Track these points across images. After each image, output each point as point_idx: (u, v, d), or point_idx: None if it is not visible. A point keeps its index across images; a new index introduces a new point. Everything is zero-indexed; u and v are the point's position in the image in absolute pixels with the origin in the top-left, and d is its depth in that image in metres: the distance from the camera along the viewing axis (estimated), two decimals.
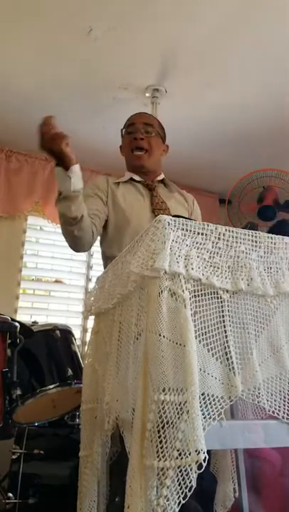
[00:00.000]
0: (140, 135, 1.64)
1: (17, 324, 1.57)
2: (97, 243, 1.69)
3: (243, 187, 2.55)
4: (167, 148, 1.80)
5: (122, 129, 1.73)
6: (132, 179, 1.69)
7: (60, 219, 1.47)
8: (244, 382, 0.76)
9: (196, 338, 0.74)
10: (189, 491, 0.64)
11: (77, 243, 1.55)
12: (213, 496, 1.20)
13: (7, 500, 1.57)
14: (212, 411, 0.72)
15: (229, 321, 0.79)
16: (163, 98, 2.36)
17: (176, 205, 1.68)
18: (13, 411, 1.60)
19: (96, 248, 1.73)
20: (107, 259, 1.62)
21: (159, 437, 0.67)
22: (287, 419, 0.79)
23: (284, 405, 0.80)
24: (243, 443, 0.82)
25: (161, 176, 1.76)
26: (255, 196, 2.57)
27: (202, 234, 0.81)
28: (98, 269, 3.03)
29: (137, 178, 1.69)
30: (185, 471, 0.65)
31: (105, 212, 1.61)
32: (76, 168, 1.36)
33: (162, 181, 1.75)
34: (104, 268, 1.61)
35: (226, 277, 0.81)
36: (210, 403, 0.72)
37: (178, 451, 0.65)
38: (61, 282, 3.15)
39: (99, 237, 1.66)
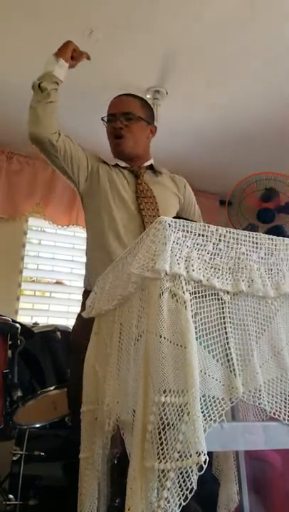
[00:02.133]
0: (119, 124, 1.63)
1: (18, 325, 1.57)
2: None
3: (243, 189, 2.56)
4: (155, 129, 1.75)
5: (102, 118, 1.69)
6: (117, 165, 1.66)
7: (40, 94, 1.53)
8: (245, 383, 0.76)
9: (196, 340, 0.73)
10: (190, 492, 0.64)
11: (43, 122, 1.53)
12: (215, 498, 1.20)
13: (8, 502, 1.57)
14: (213, 413, 0.72)
15: (230, 322, 0.79)
16: (164, 99, 2.37)
17: (163, 192, 1.64)
18: (14, 412, 1.60)
19: None
20: (88, 240, 1.64)
21: (160, 439, 0.66)
22: (288, 420, 0.79)
23: (285, 407, 0.80)
24: (244, 445, 0.82)
25: (149, 162, 1.71)
26: (255, 198, 2.57)
27: (203, 235, 0.81)
28: None
29: (122, 164, 1.66)
30: (186, 472, 0.65)
31: (82, 166, 1.61)
32: (65, 64, 1.58)
33: (150, 167, 1.71)
34: (88, 245, 1.64)
35: (226, 279, 0.81)
36: (211, 405, 0.72)
37: (178, 452, 0.65)
38: (62, 283, 3.16)
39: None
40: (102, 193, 1.59)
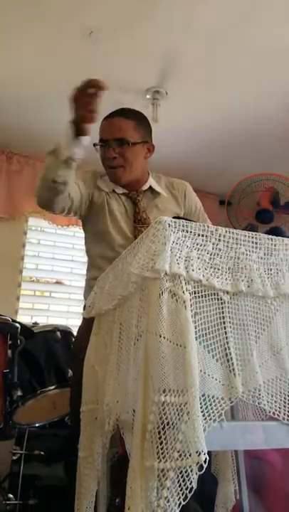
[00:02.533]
0: (112, 153, 1.51)
1: (18, 325, 1.57)
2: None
3: (242, 189, 2.56)
4: (152, 148, 1.63)
5: (94, 144, 1.56)
6: (114, 191, 1.59)
7: (43, 175, 1.44)
8: (244, 383, 0.76)
9: (196, 340, 0.74)
10: (190, 492, 0.64)
11: (49, 201, 1.47)
12: (214, 497, 1.20)
13: (7, 501, 1.57)
14: (212, 412, 0.72)
15: (229, 322, 0.80)
16: (163, 100, 2.37)
17: (161, 213, 1.56)
18: (14, 412, 1.60)
19: None
20: (90, 257, 1.63)
21: (160, 438, 0.67)
22: (287, 420, 0.79)
23: (284, 407, 0.80)
24: (244, 444, 0.82)
25: (148, 184, 1.62)
26: (255, 198, 2.58)
27: (202, 235, 0.81)
28: None
29: (119, 190, 1.59)
30: (185, 472, 0.65)
31: (85, 202, 1.55)
32: (86, 141, 1.36)
33: (149, 189, 1.63)
34: (88, 265, 1.63)
35: (226, 279, 0.81)
36: (210, 404, 0.72)
37: (178, 452, 0.65)
38: (62, 283, 3.16)
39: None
40: (100, 220, 1.55)
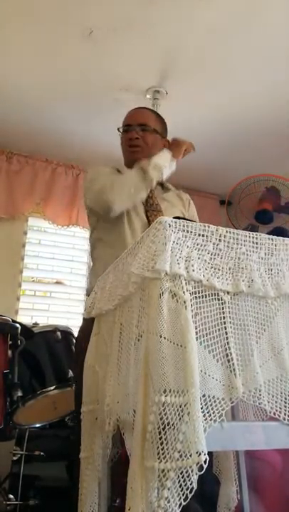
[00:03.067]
0: (135, 134, 1.67)
1: (18, 326, 1.57)
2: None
3: (242, 189, 2.56)
4: (168, 143, 1.77)
5: (118, 128, 1.74)
6: None
7: (138, 178, 1.54)
8: (245, 383, 0.76)
9: (196, 340, 0.73)
10: (190, 492, 0.64)
11: (125, 203, 1.55)
12: (215, 498, 1.20)
13: (8, 502, 1.57)
14: (213, 412, 0.72)
15: (230, 322, 0.79)
16: (164, 100, 2.37)
17: (170, 208, 1.67)
18: (14, 412, 1.60)
19: None
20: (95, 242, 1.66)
21: (160, 439, 0.67)
22: (288, 420, 0.79)
23: (285, 407, 0.80)
24: (244, 444, 0.82)
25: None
26: (255, 198, 2.57)
27: (203, 235, 0.81)
28: None
29: None
30: (186, 472, 0.65)
31: None
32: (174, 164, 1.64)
33: (160, 184, 1.74)
34: (92, 249, 1.67)
35: (226, 279, 0.81)
36: (211, 405, 0.72)
37: (179, 452, 0.65)
38: (62, 283, 3.16)
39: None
40: None
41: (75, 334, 2.04)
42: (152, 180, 1.54)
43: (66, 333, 1.95)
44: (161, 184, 1.74)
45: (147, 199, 1.64)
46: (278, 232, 2.43)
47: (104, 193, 1.50)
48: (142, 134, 1.67)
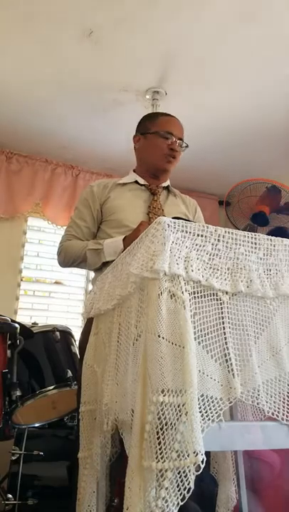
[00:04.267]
0: (177, 148, 1.65)
1: (17, 325, 1.57)
2: None
3: (240, 190, 2.56)
4: None
5: (157, 131, 1.65)
6: (136, 182, 1.70)
7: (81, 258, 1.57)
8: (243, 383, 0.76)
9: (195, 340, 0.74)
10: (188, 492, 0.64)
11: (73, 267, 1.67)
12: (213, 498, 1.20)
13: (6, 502, 1.57)
14: (211, 412, 0.72)
15: (228, 322, 0.79)
16: (163, 100, 2.37)
17: (174, 209, 1.68)
18: (13, 412, 1.60)
19: None
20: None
21: (158, 439, 0.67)
22: (286, 420, 0.79)
23: (283, 407, 0.80)
24: (242, 444, 0.82)
25: (167, 183, 1.76)
26: (254, 199, 2.57)
27: (202, 236, 0.81)
28: None
29: (141, 181, 1.70)
30: (183, 472, 0.65)
31: (96, 222, 1.67)
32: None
33: (166, 187, 1.76)
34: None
35: (225, 279, 0.81)
36: (209, 405, 0.72)
37: (176, 452, 0.65)
38: (61, 283, 3.16)
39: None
40: (112, 209, 1.63)
41: (74, 334, 2.04)
42: (92, 265, 1.55)
43: (65, 333, 1.95)
44: (166, 188, 1.75)
45: (151, 202, 1.66)
46: (278, 231, 2.43)
47: (58, 257, 1.66)
48: (179, 148, 1.67)
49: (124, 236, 1.49)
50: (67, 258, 1.61)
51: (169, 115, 1.72)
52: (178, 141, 1.65)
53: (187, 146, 1.69)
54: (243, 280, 0.82)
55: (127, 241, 1.45)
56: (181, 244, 0.78)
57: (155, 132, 1.66)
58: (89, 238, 1.64)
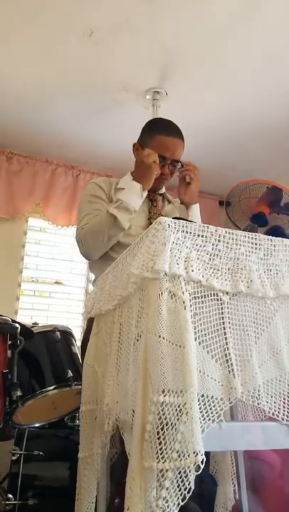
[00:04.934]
0: (167, 170, 1.67)
1: (17, 325, 1.57)
2: None
3: (240, 190, 2.56)
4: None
5: (147, 145, 1.66)
6: None
7: (109, 225, 1.51)
8: (244, 384, 0.76)
9: (195, 340, 0.74)
10: (188, 492, 0.64)
11: (102, 251, 1.58)
12: (213, 497, 1.20)
13: (7, 502, 1.57)
14: (211, 413, 0.72)
15: (229, 322, 0.79)
16: (163, 100, 2.37)
17: (173, 215, 1.74)
18: (13, 412, 1.60)
19: None
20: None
21: (159, 439, 0.67)
22: (286, 420, 0.79)
23: (283, 407, 0.80)
24: (243, 445, 0.82)
25: (163, 190, 1.81)
26: (254, 199, 2.57)
27: (202, 236, 0.81)
28: None
29: None
30: (184, 472, 0.65)
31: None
32: (145, 194, 1.57)
33: (162, 194, 1.82)
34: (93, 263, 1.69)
35: (225, 279, 0.81)
36: (209, 405, 0.72)
37: (177, 452, 0.65)
38: (61, 283, 3.16)
39: None
40: None
41: (75, 334, 2.04)
42: (124, 225, 1.51)
43: (66, 333, 1.95)
44: (161, 195, 1.81)
45: (150, 208, 1.71)
46: (274, 230, 2.43)
47: (81, 247, 1.59)
48: (171, 169, 1.68)
49: (129, 173, 1.61)
50: (93, 238, 1.53)
51: (166, 133, 1.67)
52: (169, 165, 1.67)
53: (182, 166, 1.69)
54: (244, 280, 0.82)
55: (134, 175, 1.56)
56: (181, 245, 0.78)
57: (155, 144, 1.65)
58: None
